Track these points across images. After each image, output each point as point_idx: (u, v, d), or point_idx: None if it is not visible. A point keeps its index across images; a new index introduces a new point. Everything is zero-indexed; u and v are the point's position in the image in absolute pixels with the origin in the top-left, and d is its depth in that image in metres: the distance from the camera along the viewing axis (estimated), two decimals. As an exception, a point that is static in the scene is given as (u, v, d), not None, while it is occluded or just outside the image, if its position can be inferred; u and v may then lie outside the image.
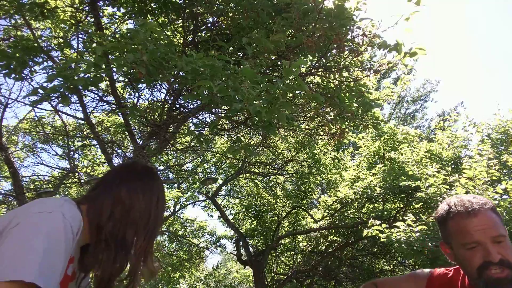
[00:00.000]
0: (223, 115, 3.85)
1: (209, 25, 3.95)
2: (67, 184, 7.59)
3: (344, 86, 3.78)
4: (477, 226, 1.06)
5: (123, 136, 6.32)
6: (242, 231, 9.61)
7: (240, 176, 9.50)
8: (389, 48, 3.09)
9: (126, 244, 1.05)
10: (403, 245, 4.57)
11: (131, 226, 1.06)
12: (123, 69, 2.14)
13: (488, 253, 1.03)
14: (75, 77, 1.98)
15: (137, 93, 4.41)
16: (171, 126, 4.12)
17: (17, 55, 2.63)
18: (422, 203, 5.91)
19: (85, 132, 6.74)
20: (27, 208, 0.94)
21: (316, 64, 3.80)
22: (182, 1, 3.62)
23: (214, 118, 4.21)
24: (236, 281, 13.54)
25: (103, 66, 2.09)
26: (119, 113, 4.69)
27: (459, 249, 1.10)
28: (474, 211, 1.08)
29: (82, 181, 6.74)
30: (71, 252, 0.96)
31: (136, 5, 3.58)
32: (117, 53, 2.26)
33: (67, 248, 0.92)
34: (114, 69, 2.36)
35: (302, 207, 9.44)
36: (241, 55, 3.83)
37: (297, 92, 2.50)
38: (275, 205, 9.77)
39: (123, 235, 1.04)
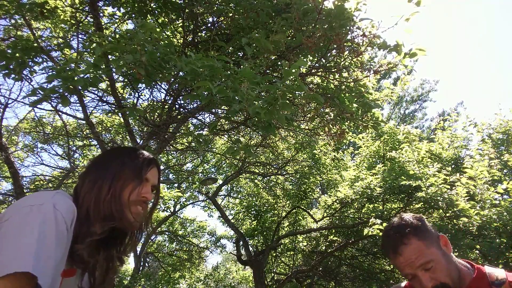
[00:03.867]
0: (222, 115, 3.85)
1: (209, 25, 3.95)
2: (67, 184, 7.58)
3: (344, 87, 3.78)
4: (403, 263, 1.15)
5: (123, 136, 6.32)
6: (242, 231, 9.61)
7: (240, 176, 9.50)
8: (389, 49, 3.08)
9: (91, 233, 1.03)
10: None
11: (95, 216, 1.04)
12: (123, 70, 2.14)
13: (421, 282, 1.12)
14: (75, 78, 1.98)
15: (137, 93, 4.41)
16: (171, 126, 4.12)
17: (16, 55, 2.63)
18: (422, 203, 5.90)
19: (85, 132, 6.74)
20: (19, 202, 0.94)
21: (316, 65, 3.80)
22: (182, 1, 3.61)
23: (214, 118, 4.21)
24: (236, 281, 13.55)
25: (103, 67, 2.08)
26: (119, 113, 4.69)
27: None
28: (397, 251, 1.16)
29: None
30: (67, 244, 0.95)
31: (136, 5, 3.57)
32: (117, 54, 2.25)
33: (60, 238, 0.91)
34: (114, 70, 2.36)
35: (302, 207, 9.44)
36: (241, 55, 3.83)
37: (297, 92, 2.50)
38: (275, 205, 9.77)
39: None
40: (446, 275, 1.11)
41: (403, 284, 1.35)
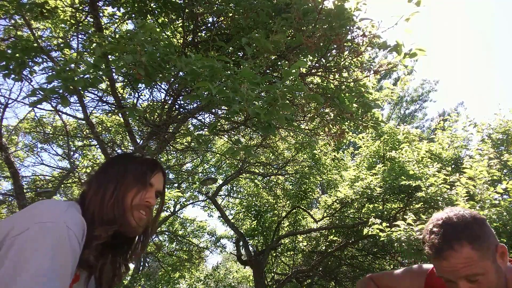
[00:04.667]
0: (222, 115, 3.85)
1: (209, 25, 3.95)
2: (67, 184, 7.58)
3: (344, 87, 3.78)
4: (446, 267, 1.01)
5: (123, 136, 6.32)
6: (242, 231, 9.61)
7: (240, 176, 9.50)
8: (389, 49, 3.08)
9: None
10: (403, 244, 4.57)
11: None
12: (122, 70, 2.14)
13: None
14: (75, 78, 1.98)
15: (136, 94, 4.41)
16: (171, 126, 4.12)
17: (16, 55, 2.62)
18: (422, 203, 5.91)
19: (85, 132, 6.74)
20: (31, 215, 0.92)
21: (316, 65, 3.80)
22: (182, 1, 3.61)
23: (214, 118, 4.21)
24: (236, 281, 13.55)
25: (103, 67, 2.08)
26: (119, 113, 4.69)
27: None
28: (443, 254, 1.00)
29: (82, 181, 6.73)
30: (77, 259, 0.95)
31: (136, 5, 3.57)
32: (117, 54, 2.25)
33: (74, 257, 0.91)
34: (114, 70, 2.36)
35: (302, 207, 9.44)
36: (241, 55, 3.83)
37: (297, 92, 2.50)
38: (275, 205, 9.77)
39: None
40: None
41: (427, 265, 1.26)
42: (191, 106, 4.05)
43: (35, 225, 0.88)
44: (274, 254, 10.02)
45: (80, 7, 3.89)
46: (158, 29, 3.12)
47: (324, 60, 3.72)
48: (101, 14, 3.88)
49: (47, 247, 0.85)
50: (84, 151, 7.59)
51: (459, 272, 0.98)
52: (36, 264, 0.82)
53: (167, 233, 11.53)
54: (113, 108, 4.54)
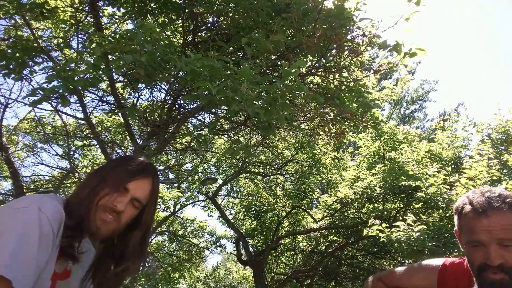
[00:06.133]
0: (222, 115, 3.85)
1: (209, 25, 3.95)
2: (67, 184, 7.58)
3: (343, 87, 3.78)
4: (484, 226, 1.02)
5: (123, 136, 6.32)
6: (242, 231, 9.62)
7: (240, 176, 9.50)
8: (389, 49, 3.08)
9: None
10: (403, 244, 4.58)
11: None
12: (122, 70, 2.14)
13: (489, 255, 1.00)
14: (75, 78, 1.98)
15: (136, 93, 4.41)
16: (170, 126, 4.12)
17: (16, 55, 2.63)
18: (422, 203, 5.91)
19: (85, 132, 6.75)
20: (7, 204, 0.95)
21: (316, 64, 3.80)
22: (182, 1, 3.61)
23: (214, 118, 4.21)
24: (236, 281, 13.55)
25: (103, 67, 2.09)
26: (119, 113, 4.69)
27: (465, 244, 1.10)
28: (486, 212, 1.02)
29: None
30: (54, 246, 0.94)
31: (136, 5, 3.57)
32: (117, 54, 2.26)
33: (44, 241, 0.90)
34: (114, 70, 2.36)
35: (302, 207, 9.44)
36: (241, 55, 3.83)
37: (296, 92, 2.50)
38: (275, 205, 9.77)
39: None
40: None
41: (440, 262, 1.25)
42: (191, 106, 4.05)
43: (9, 210, 0.91)
44: (274, 254, 10.02)
45: (80, 7, 3.90)
46: (158, 29, 3.12)
47: (324, 60, 3.72)
48: (101, 14, 3.88)
49: (15, 230, 0.85)
50: (84, 151, 7.59)
51: (496, 233, 1.00)
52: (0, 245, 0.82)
53: (167, 233, 11.52)
54: (113, 108, 4.54)
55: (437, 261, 1.28)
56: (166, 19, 3.87)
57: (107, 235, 1.08)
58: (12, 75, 2.65)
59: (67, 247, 1.00)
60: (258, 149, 7.67)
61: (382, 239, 4.91)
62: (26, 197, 0.97)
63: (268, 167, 8.94)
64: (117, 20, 4.18)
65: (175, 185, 9.92)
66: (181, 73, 2.34)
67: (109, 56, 2.71)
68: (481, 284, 1.03)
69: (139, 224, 1.14)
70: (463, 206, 1.11)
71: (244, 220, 10.45)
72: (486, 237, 1.01)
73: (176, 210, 10.91)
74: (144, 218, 1.15)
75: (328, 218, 8.73)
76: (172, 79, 2.75)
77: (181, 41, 3.94)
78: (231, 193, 11.32)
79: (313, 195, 9.47)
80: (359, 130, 4.51)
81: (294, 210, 9.49)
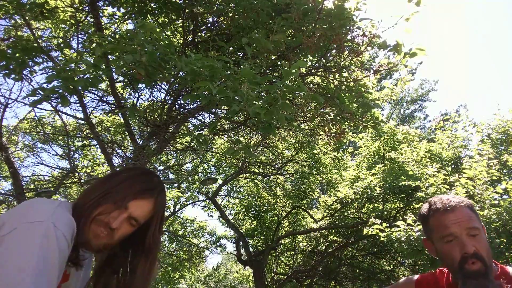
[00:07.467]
0: (222, 115, 3.85)
1: (209, 25, 3.95)
2: (67, 184, 7.58)
3: (344, 87, 3.78)
4: (452, 220, 1.16)
5: (123, 136, 6.32)
6: (242, 231, 9.62)
7: (240, 176, 9.49)
8: (389, 49, 3.08)
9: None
10: (403, 244, 4.57)
11: None
12: (122, 70, 2.14)
13: (464, 245, 1.11)
14: (75, 78, 1.98)
15: (137, 93, 4.41)
16: (170, 126, 4.12)
17: (16, 55, 2.63)
18: (422, 203, 5.90)
19: (85, 132, 6.74)
20: (19, 214, 0.92)
21: (316, 64, 3.80)
22: (182, 1, 3.62)
23: (214, 118, 4.21)
24: (236, 281, 13.54)
25: (103, 67, 2.09)
26: (119, 113, 4.69)
27: (439, 243, 1.19)
28: (451, 207, 1.18)
29: (82, 181, 6.73)
30: (66, 259, 0.95)
31: (136, 5, 3.57)
32: (117, 54, 2.26)
33: (62, 258, 0.91)
34: (114, 70, 2.36)
35: (302, 207, 9.44)
36: (241, 55, 3.83)
37: (297, 92, 2.50)
38: (275, 205, 9.77)
39: None
40: (485, 251, 1.13)
41: (416, 277, 1.35)
42: (191, 106, 4.05)
43: (23, 225, 0.88)
44: (274, 254, 10.02)
45: (80, 7, 3.90)
46: (158, 29, 3.13)
47: (324, 60, 3.72)
48: (101, 14, 3.88)
49: (34, 246, 0.85)
50: (84, 151, 7.59)
51: (464, 223, 1.14)
52: (22, 261, 0.82)
53: (167, 233, 11.52)
54: (113, 108, 4.54)
55: (411, 277, 1.39)
56: (166, 19, 3.87)
57: (98, 248, 1.07)
58: (12, 75, 2.65)
59: (73, 255, 1.01)
60: (258, 149, 7.67)
61: (382, 239, 4.91)
62: (38, 208, 0.94)
63: (268, 167, 8.93)
64: (117, 20, 4.18)
65: (175, 185, 9.92)
66: (181, 73, 2.34)
67: (109, 56, 2.71)
68: (464, 276, 1.11)
69: (143, 248, 1.15)
70: (429, 209, 1.26)
71: (244, 220, 10.45)
72: (457, 228, 1.14)
73: (176, 210, 10.91)
74: (148, 241, 1.15)
75: (328, 218, 8.73)
76: (172, 79, 2.75)
77: (181, 41, 3.94)
78: (231, 193, 11.32)
79: (313, 195, 9.47)
80: (359, 130, 4.51)
81: (294, 210, 9.49)
